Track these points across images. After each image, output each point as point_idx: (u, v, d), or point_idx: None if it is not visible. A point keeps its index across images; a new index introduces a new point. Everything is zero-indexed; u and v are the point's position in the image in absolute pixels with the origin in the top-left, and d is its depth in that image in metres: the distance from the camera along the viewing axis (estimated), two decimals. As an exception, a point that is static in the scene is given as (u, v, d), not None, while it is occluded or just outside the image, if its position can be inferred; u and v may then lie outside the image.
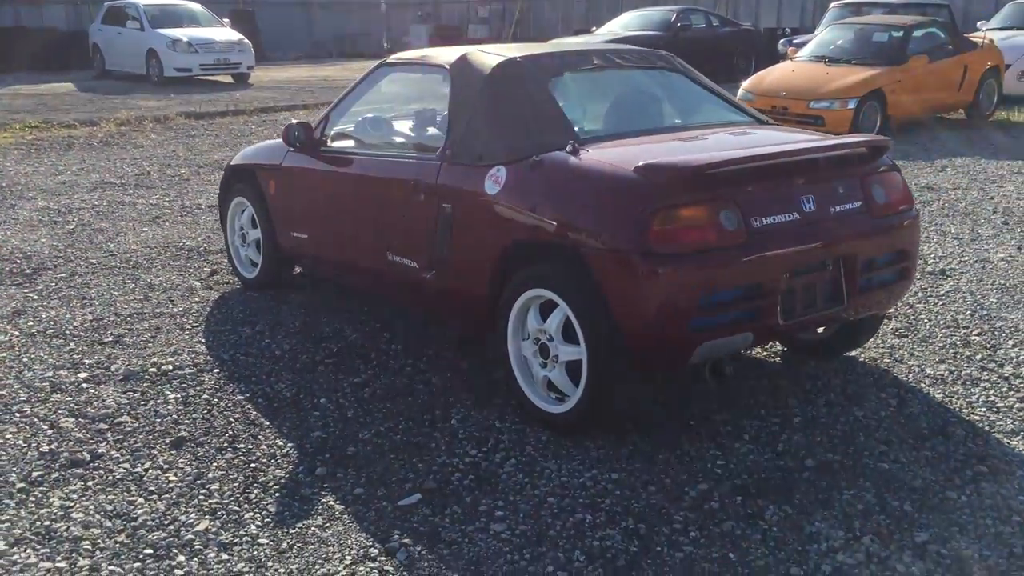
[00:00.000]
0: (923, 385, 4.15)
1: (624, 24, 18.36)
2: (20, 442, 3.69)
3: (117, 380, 4.29)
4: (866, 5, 16.74)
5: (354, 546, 2.97)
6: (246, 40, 20.26)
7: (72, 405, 4.02)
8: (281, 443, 3.67)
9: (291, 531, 3.06)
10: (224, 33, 20.31)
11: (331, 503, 3.23)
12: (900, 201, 3.94)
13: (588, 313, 3.46)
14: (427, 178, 4.13)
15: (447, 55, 4.41)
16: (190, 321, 5.09)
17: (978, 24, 15.67)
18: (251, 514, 3.16)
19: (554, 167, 3.65)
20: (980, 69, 12.50)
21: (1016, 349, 4.53)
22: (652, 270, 3.29)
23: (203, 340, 4.80)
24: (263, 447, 3.64)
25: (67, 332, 4.92)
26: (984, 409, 3.90)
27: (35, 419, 3.89)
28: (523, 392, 3.81)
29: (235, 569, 2.85)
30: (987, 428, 3.73)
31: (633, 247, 3.31)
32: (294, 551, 2.95)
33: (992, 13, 17.52)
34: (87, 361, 4.52)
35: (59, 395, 4.13)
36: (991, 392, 4.06)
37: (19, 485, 3.36)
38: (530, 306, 3.73)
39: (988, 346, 4.58)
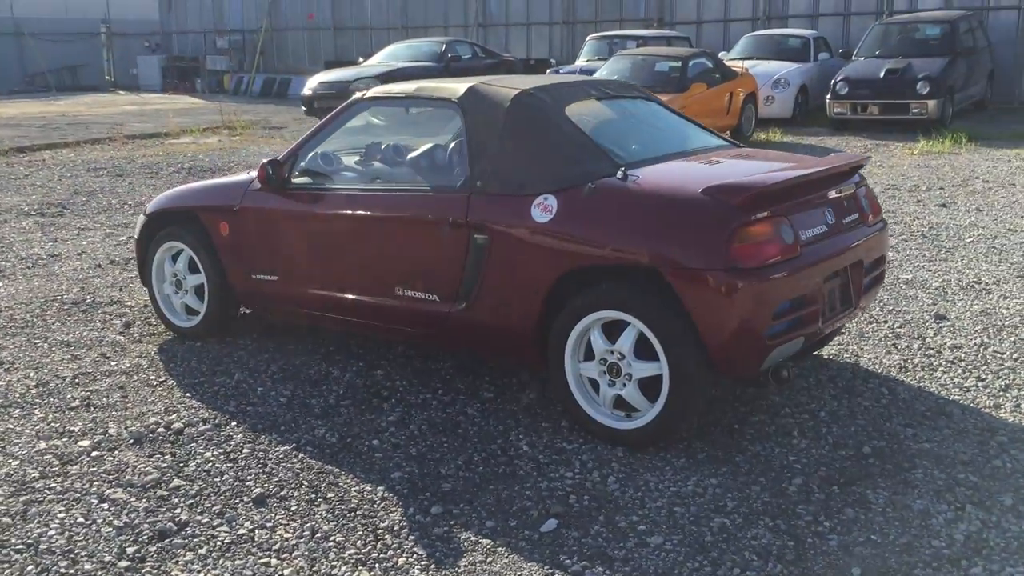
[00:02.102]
0: (892, 374, 4.67)
1: (392, 55, 18.53)
2: (81, 519, 3.35)
3: (129, 444, 3.96)
4: (618, 37, 18.01)
5: (534, 575, 2.99)
6: (-28, 75, 18.51)
7: (104, 475, 3.68)
8: (368, 487, 3.58)
9: (459, 570, 3.03)
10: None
11: (474, 537, 3.22)
12: (877, 211, 4.45)
13: (668, 329, 3.65)
14: (454, 211, 4.15)
15: (448, 89, 4.45)
16: (152, 377, 4.75)
17: (719, 54, 17.21)
18: (404, 559, 3.09)
19: (616, 193, 3.82)
20: (741, 95, 13.82)
21: (938, 337, 5.19)
22: (735, 285, 3.55)
23: (188, 394, 4.50)
24: (354, 493, 3.54)
25: (18, 401, 4.45)
26: (957, 390, 4.46)
27: (76, 494, 3.54)
28: (585, 412, 3.93)
29: (438, 614, 2.80)
30: (972, 405, 4.28)
31: (717, 264, 3.55)
32: (481, 588, 2.93)
33: (720, 44, 19.35)
34: (73, 428, 4.13)
35: (77, 467, 3.77)
36: (950, 375, 4.64)
37: (122, 563, 3.08)
38: (591, 328, 3.87)
39: (916, 336, 5.21)
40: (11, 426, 4.17)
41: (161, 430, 4.10)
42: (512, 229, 4.02)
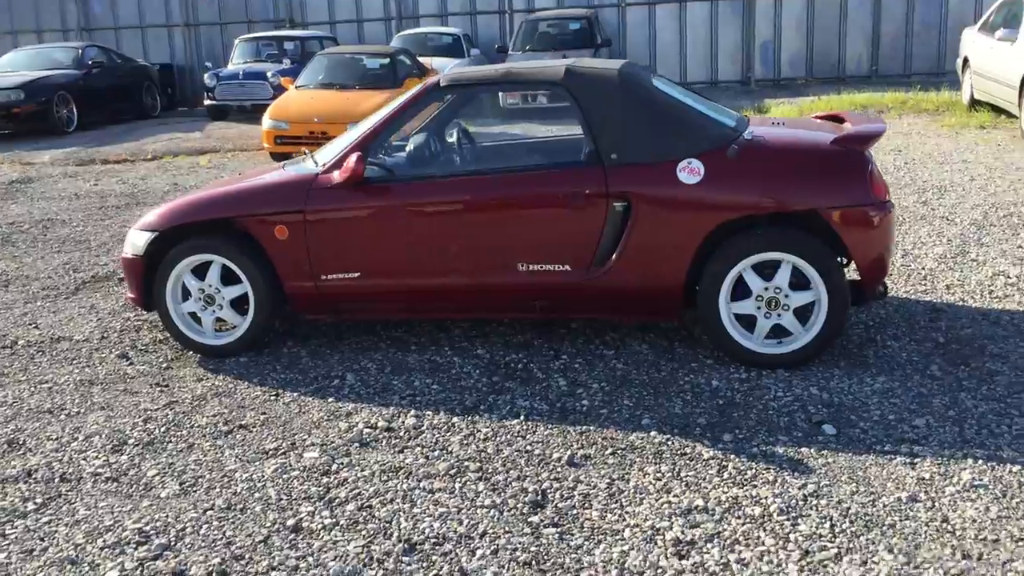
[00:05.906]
0: (912, 297, 5.70)
1: (13, 63, 16.66)
2: (440, 509, 3.33)
3: (358, 448, 3.85)
4: (269, 39, 17.96)
5: (885, 475, 3.54)
6: None
7: (389, 473, 3.61)
8: (640, 434, 3.86)
9: (819, 476, 3.50)
10: None
11: (790, 451, 3.69)
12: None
13: (823, 261, 4.34)
14: (589, 183, 4.47)
15: (545, 71, 4.74)
16: (258, 392, 4.50)
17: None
18: (770, 475, 3.50)
19: (758, 151, 4.43)
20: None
21: (911, 266, 6.34)
22: (879, 216, 4.35)
23: (331, 399, 4.36)
24: (635, 440, 3.81)
25: (165, 434, 4.02)
26: (977, 305, 5.59)
27: (392, 493, 3.44)
28: (742, 345, 4.49)
29: (869, 512, 3.28)
30: (1007, 310, 5.34)
31: (867, 201, 4.33)
32: (863, 474, 3.44)
33: (357, 44, 19.90)
34: (269, 446, 3.90)
35: (347, 473, 3.62)
36: (959, 296, 5.66)
37: (549, 530, 3.16)
38: (743, 271, 4.43)
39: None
40: (202, 457, 3.80)
41: (368, 431, 3.99)
42: (659, 193, 4.44)
